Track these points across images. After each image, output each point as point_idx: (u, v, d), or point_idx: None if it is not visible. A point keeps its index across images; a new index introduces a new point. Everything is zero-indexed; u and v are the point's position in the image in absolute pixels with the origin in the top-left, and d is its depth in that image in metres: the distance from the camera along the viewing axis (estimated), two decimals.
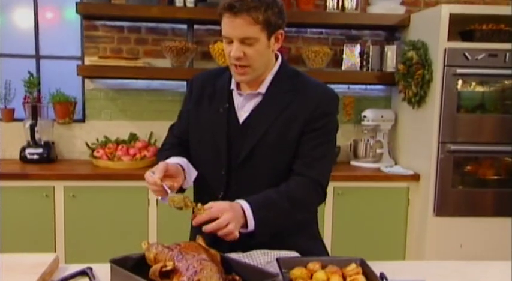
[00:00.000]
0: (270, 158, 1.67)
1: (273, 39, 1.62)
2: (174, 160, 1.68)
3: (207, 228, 1.46)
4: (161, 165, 1.58)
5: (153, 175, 1.55)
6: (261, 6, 1.54)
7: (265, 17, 1.55)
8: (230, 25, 1.57)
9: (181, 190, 1.66)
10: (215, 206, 1.49)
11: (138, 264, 1.39)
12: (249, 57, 1.60)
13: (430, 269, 1.69)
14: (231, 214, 1.48)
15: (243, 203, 1.54)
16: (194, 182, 1.74)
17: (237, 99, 1.73)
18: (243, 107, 1.71)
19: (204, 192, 1.76)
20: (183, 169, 1.68)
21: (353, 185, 3.47)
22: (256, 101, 1.70)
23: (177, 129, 1.89)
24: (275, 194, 1.60)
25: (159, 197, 1.62)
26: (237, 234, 1.48)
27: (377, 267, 1.48)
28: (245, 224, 1.52)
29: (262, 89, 1.69)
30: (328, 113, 1.69)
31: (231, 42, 1.60)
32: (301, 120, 1.65)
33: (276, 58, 1.74)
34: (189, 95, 1.84)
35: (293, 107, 1.66)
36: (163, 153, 1.82)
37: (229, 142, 1.70)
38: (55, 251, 3.27)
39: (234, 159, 1.69)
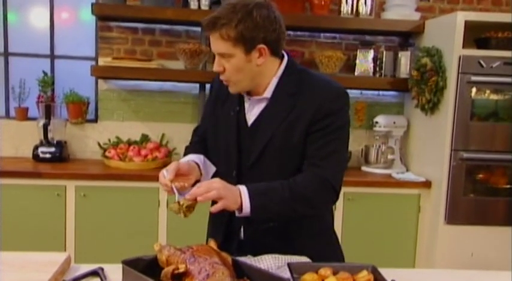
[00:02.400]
0: (278, 161, 1.67)
1: (255, 53, 1.59)
2: (188, 158, 1.73)
3: (190, 195, 1.50)
4: (172, 165, 1.61)
5: (166, 174, 1.59)
6: (231, 23, 1.54)
7: (237, 33, 1.54)
8: (211, 40, 1.62)
9: None
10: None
11: (149, 266, 1.39)
12: (227, 71, 1.62)
13: (441, 278, 1.68)
14: (219, 184, 1.51)
15: (241, 187, 1.55)
16: None
17: (247, 103, 1.74)
18: (251, 111, 1.72)
19: None
20: (199, 166, 1.72)
21: (364, 191, 3.46)
22: (262, 104, 1.70)
23: (200, 129, 1.96)
24: (277, 183, 1.60)
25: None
26: (227, 204, 1.50)
27: (388, 274, 1.47)
28: (241, 208, 1.53)
29: (268, 93, 1.68)
30: (333, 112, 1.65)
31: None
32: (305, 121, 1.64)
33: (282, 58, 1.71)
34: (210, 96, 1.89)
35: (298, 109, 1.65)
36: (187, 152, 1.87)
37: (239, 144, 1.72)
38: (65, 250, 3.29)
39: (244, 162, 1.71)
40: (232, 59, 1.59)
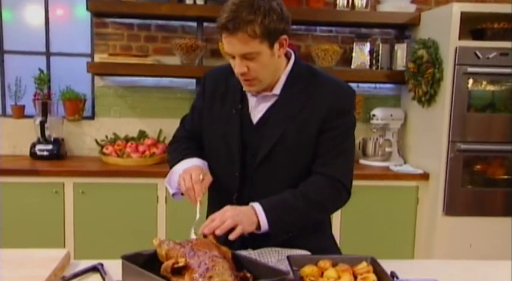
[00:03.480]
0: (288, 159, 1.65)
1: (276, 45, 1.56)
2: (198, 164, 1.69)
3: (208, 229, 1.47)
4: (207, 179, 1.62)
5: (201, 184, 1.58)
6: (256, 19, 1.47)
7: (263, 28, 1.48)
8: (228, 43, 1.53)
9: None
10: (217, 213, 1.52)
11: (149, 260, 1.39)
12: (253, 71, 1.56)
13: (440, 268, 1.68)
14: (232, 212, 1.50)
15: (255, 204, 1.54)
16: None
17: (251, 100, 1.69)
18: (257, 107, 1.68)
19: (217, 193, 1.75)
20: None
21: (362, 184, 3.45)
22: (270, 102, 1.67)
23: (188, 123, 1.87)
24: (289, 194, 1.60)
25: (172, 194, 1.69)
26: (244, 228, 1.49)
27: (387, 266, 1.47)
28: (259, 226, 1.53)
29: (277, 90, 1.66)
30: (345, 111, 1.67)
31: (233, 57, 1.57)
32: (318, 120, 1.63)
33: (289, 56, 1.70)
34: (202, 91, 1.81)
35: (309, 107, 1.63)
36: (179, 146, 1.82)
37: (243, 143, 1.68)
38: (64, 247, 3.29)
39: (249, 160, 1.67)
40: (258, 57, 1.53)
